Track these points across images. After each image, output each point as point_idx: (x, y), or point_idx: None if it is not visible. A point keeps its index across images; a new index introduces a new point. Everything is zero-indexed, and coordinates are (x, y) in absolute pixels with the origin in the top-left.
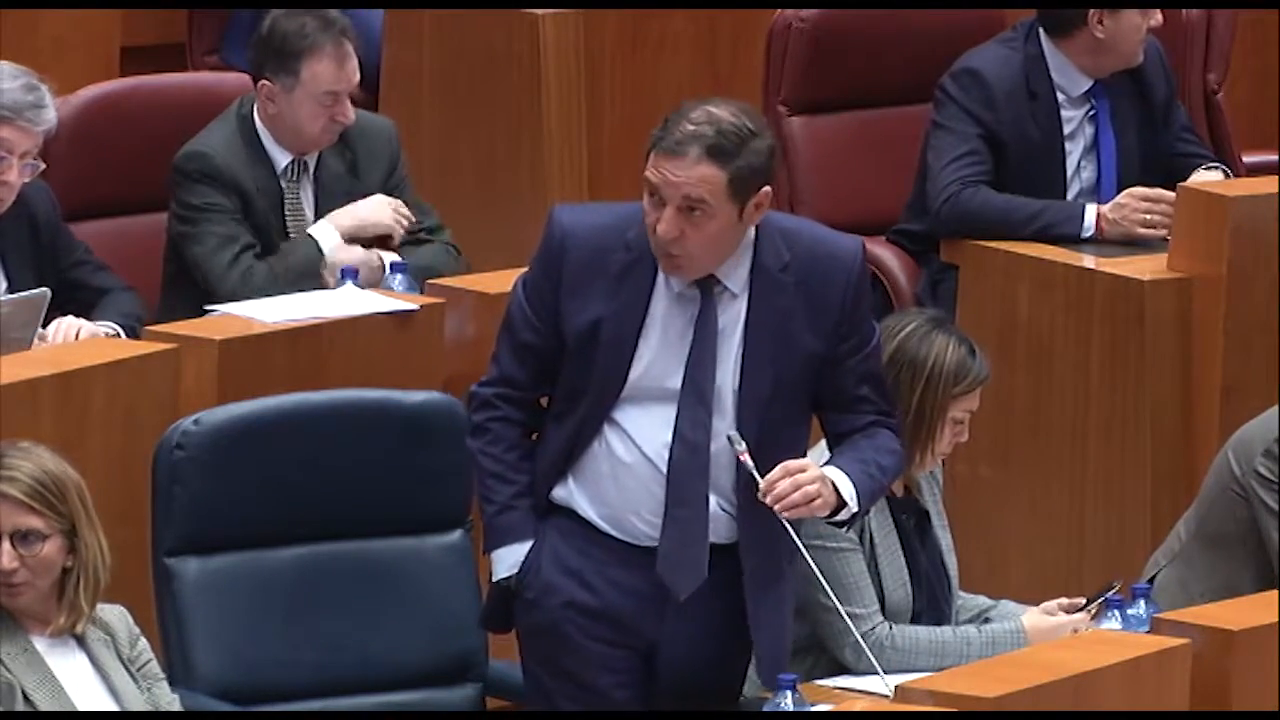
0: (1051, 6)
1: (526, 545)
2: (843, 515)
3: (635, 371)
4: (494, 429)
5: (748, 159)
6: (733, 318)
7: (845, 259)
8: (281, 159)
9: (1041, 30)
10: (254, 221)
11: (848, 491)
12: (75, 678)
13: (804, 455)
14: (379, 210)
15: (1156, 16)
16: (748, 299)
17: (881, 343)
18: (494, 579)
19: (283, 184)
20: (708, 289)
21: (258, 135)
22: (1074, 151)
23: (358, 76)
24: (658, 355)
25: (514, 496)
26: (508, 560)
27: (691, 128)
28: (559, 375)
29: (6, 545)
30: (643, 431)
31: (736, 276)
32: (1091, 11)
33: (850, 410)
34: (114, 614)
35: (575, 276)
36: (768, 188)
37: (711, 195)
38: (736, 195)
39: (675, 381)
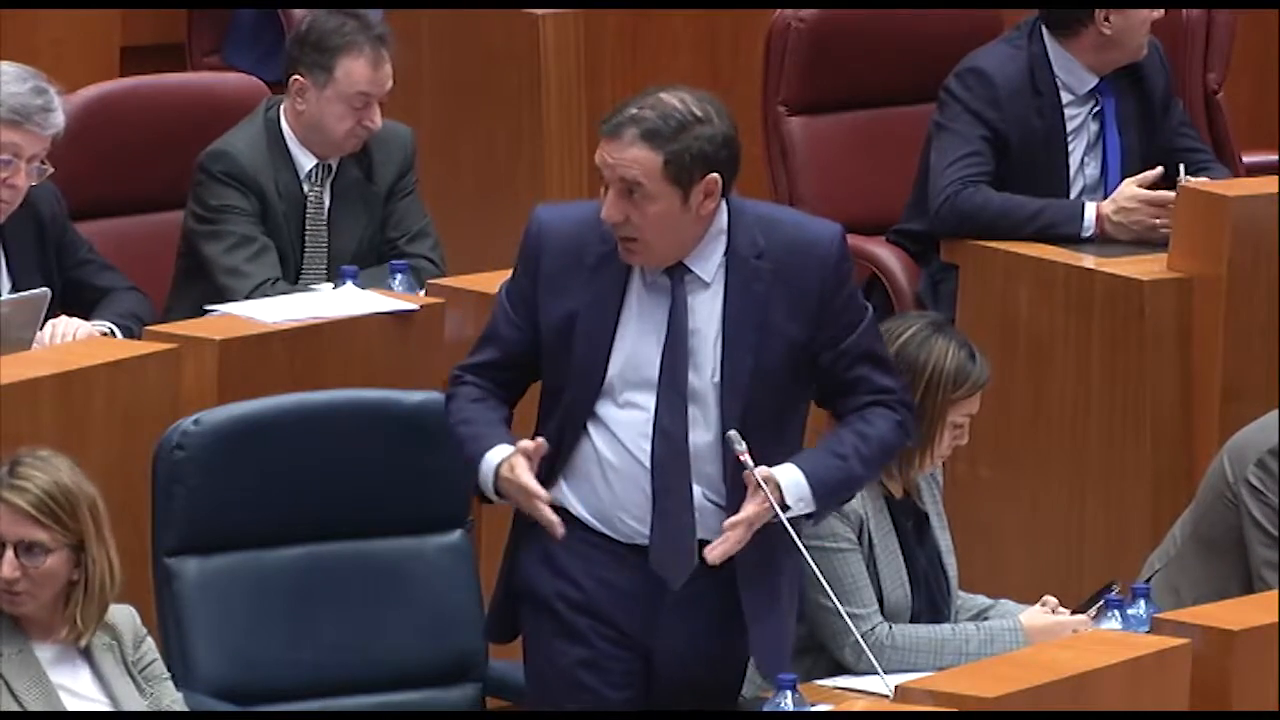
0: (1052, 6)
1: (500, 447)
2: (798, 511)
3: (614, 364)
4: (459, 392)
5: (686, 144)
6: (708, 306)
7: (823, 244)
8: (306, 163)
9: (1045, 29)
10: (270, 225)
11: (794, 494)
12: (76, 687)
13: (798, 443)
14: None
15: (1158, 9)
16: (724, 287)
17: None
18: (486, 492)
19: (306, 188)
20: (677, 277)
21: (283, 137)
22: (1077, 149)
23: (390, 84)
24: (635, 347)
25: (477, 428)
26: (486, 477)
27: (634, 111)
28: (539, 374)
29: (9, 554)
30: (625, 428)
31: (707, 264)
32: (1099, 9)
33: (848, 393)
34: (122, 614)
35: (553, 271)
36: (715, 175)
37: (646, 178)
38: (674, 180)
39: (654, 373)
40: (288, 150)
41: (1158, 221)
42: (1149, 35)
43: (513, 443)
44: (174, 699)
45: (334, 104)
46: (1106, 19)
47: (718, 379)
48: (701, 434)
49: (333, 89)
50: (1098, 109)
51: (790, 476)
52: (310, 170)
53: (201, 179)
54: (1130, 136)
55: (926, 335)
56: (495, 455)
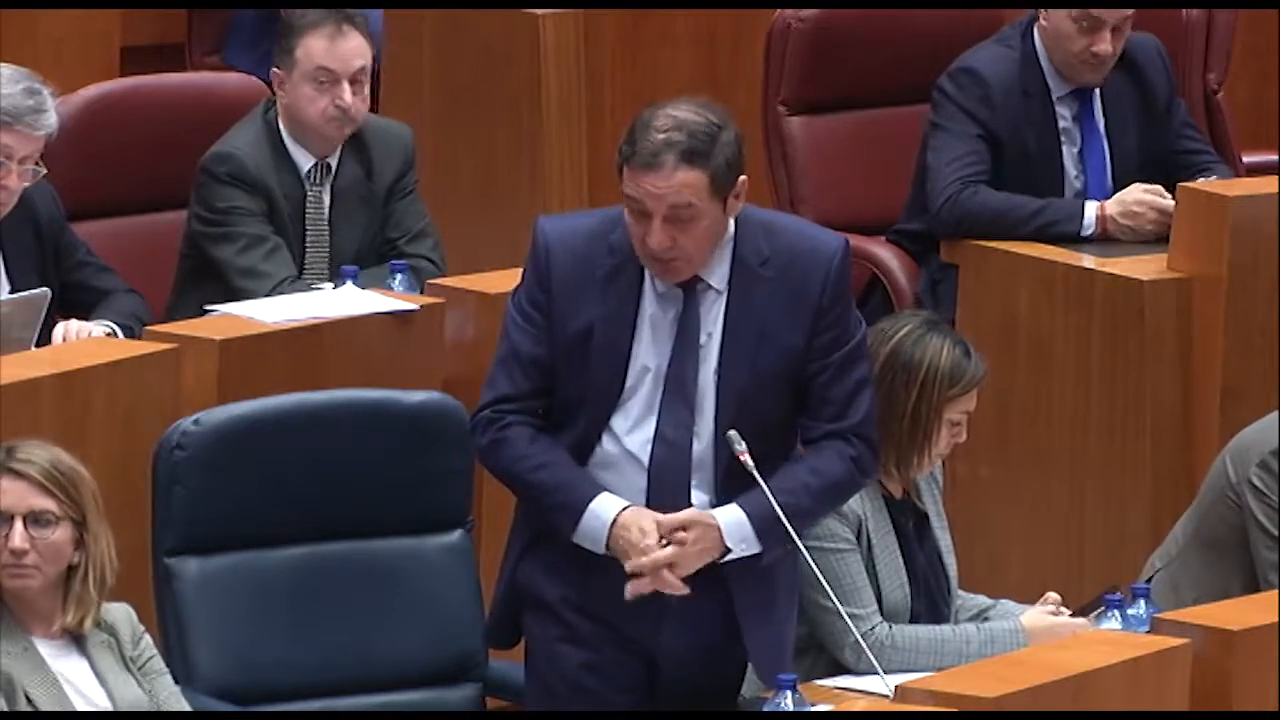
0: (1049, 6)
1: (605, 496)
2: (740, 553)
3: (631, 375)
4: (506, 436)
5: (723, 154)
6: (715, 314)
7: (826, 253)
8: (304, 162)
9: (1035, 28)
10: (276, 225)
11: (735, 535)
12: (75, 681)
13: (791, 452)
14: None
15: (1104, 44)
16: (727, 294)
17: (875, 346)
18: (606, 548)
19: (306, 188)
20: (690, 286)
21: (281, 138)
22: (1070, 151)
23: (359, 62)
24: (649, 357)
25: (563, 473)
26: (596, 528)
27: (661, 136)
28: (556, 387)
29: (19, 525)
30: (631, 434)
31: (719, 273)
32: (1041, 10)
33: (814, 415)
34: (119, 612)
35: (564, 284)
36: (744, 177)
37: (697, 198)
38: (719, 192)
39: (662, 380)
40: (286, 151)
41: (1166, 227)
42: (1094, 65)
43: (602, 487)
44: (171, 691)
45: (301, 86)
46: (1046, 14)
47: (715, 383)
48: (698, 440)
49: (298, 71)
50: (1078, 112)
51: (731, 517)
52: (309, 170)
53: (205, 181)
54: (1127, 140)
55: (921, 334)
56: (605, 507)
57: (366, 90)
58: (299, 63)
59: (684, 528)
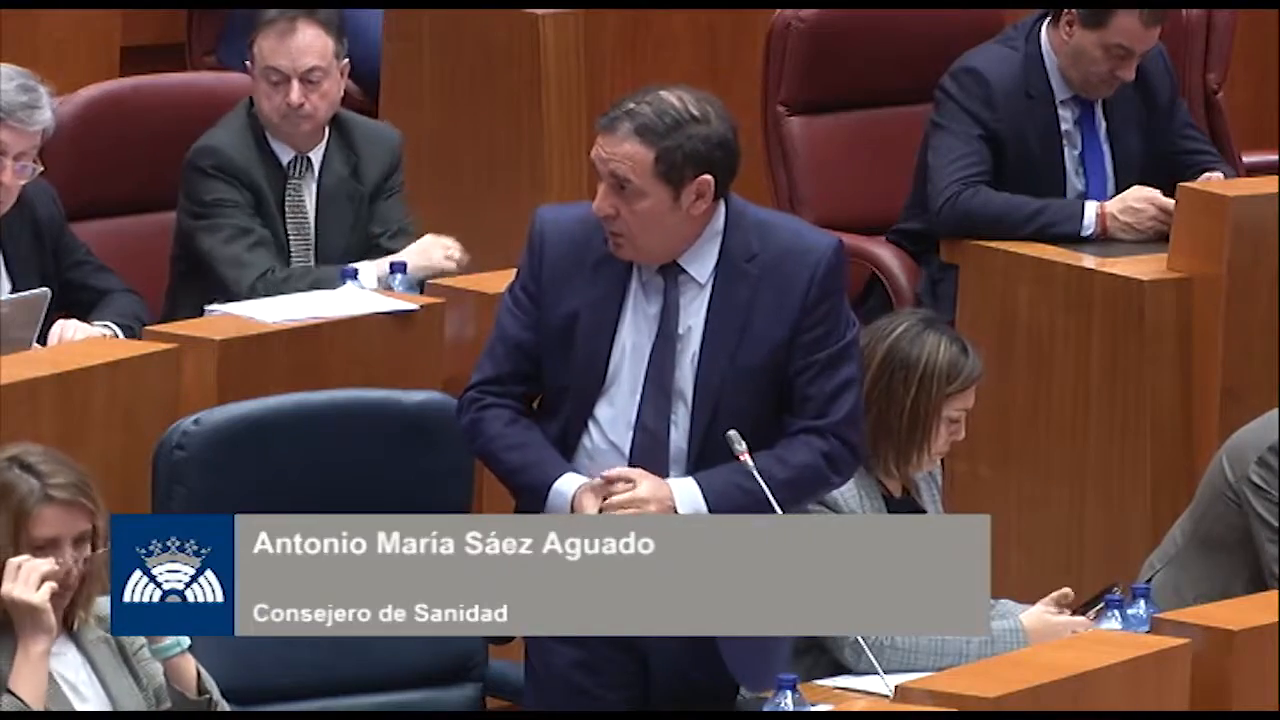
0: (1048, 6)
1: (570, 475)
2: None
3: (614, 362)
4: (485, 416)
5: (679, 141)
6: (698, 307)
7: (816, 252)
8: (284, 155)
9: (1042, 28)
10: (263, 218)
11: (683, 498)
12: (72, 680)
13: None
14: (428, 253)
15: (1128, 71)
16: (712, 288)
17: (872, 345)
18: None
19: (288, 180)
20: (671, 277)
21: (263, 131)
22: (1071, 154)
23: (309, 61)
24: (633, 345)
25: (532, 454)
26: (560, 508)
27: (631, 106)
28: (544, 373)
29: (70, 550)
30: (613, 423)
31: (702, 265)
32: (1065, 13)
33: (796, 412)
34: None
35: (556, 271)
36: (707, 176)
37: (635, 174)
38: (665, 177)
39: (643, 370)
40: (267, 143)
41: (1165, 228)
42: (1113, 84)
43: (573, 469)
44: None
45: (258, 84)
46: (1070, 26)
47: (695, 376)
48: (677, 433)
49: (255, 69)
50: (1081, 115)
51: (681, 481)
52: (289, 162)
53: (190, 175)
54: (1129, 142)
55: (918, 331)
56: (566, 485)
57: (329, 86)
58: (255, 61)
59: (625, 480)
